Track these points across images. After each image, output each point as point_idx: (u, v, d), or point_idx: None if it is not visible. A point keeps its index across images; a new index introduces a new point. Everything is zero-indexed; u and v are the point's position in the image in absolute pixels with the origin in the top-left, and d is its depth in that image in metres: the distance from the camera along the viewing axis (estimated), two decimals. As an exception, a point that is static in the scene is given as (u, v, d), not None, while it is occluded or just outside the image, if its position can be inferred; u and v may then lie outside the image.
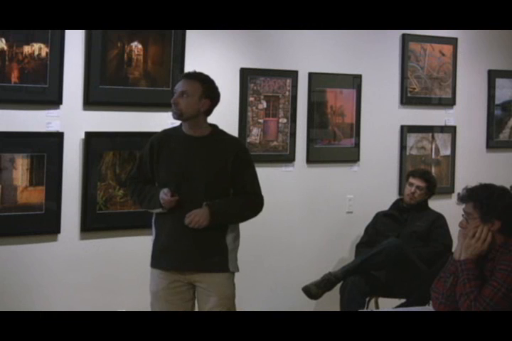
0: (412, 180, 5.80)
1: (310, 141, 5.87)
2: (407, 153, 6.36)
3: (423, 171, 5.99)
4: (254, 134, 5.59)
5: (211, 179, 4.07)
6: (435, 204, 5.95)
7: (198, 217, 4.03)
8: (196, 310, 4.25)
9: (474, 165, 6.71)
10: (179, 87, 4.12)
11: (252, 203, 4.17)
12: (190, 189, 4.08)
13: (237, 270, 4.18)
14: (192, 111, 4.08)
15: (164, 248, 4.15)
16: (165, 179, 4.13)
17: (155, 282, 4.19)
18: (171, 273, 4.14)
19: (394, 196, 6.16)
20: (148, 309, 4.71)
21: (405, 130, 6.33)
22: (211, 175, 4.07)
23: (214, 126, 4.21)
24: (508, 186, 3.78)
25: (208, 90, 4.10)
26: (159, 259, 4.17)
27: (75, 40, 4.88)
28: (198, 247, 4.08)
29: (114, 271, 5.13)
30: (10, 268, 4.79)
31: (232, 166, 4.09)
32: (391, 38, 6.22)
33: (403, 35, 6.24)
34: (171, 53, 5.19)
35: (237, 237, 4.19)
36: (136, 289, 5.16)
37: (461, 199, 3.55)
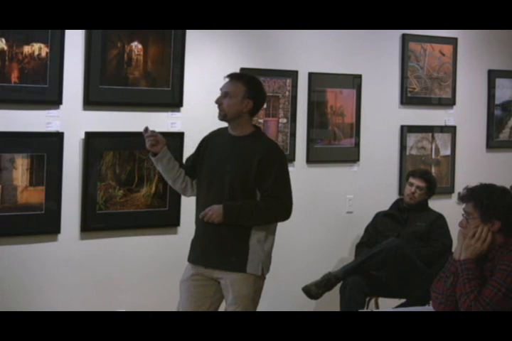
0: (412, 180, 5.80)
1: (310, 141, 5.87)
2: (407, 153, 6.36)
3: (423, 171, 5.99)
4: (254, 134, 5.59)
5: (236, 179, 4.11)
6: (435, 204, 5.95)
7: (211, 211, 4.10)
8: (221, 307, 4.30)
9: (474, 165, 6.71)
10: (223, 87, 4.19)
11: (272, 208, 4.14)
12: (218, 187, 4.15)
13: (259, 273, 4.14)
14: (235, 111, 4.14)
15: (192, 242, 4.30)
16: (202, 175, 4.23)
17: (184, 272, 4.30)
18: (196, 265, 4.23)
19: (394, 196, 6.16)
20: (148, 309, 4.72)
21: (405, 130, 6.33)
22: (237, 175, 4.11)
23: (257, 128, 4.28)
24: (508, 186, 3.78)
25: (250, 91, 4.15)
26: (190, 253, 4.30)
27: (75, 40, 4.88)
28: (217, 245, 4.15)
29: (114, 271, 5.13)
30: (10, 268, 4.78)
31: (257, 169, 4.09)
32: (391, 38, 6.22)
33: (403, 35, 6.24)
34: (171, 53, 5.19)
35: (264, 240, 4.17)
36: (136, 289, 5.17)
37: (462, 198, 3.55)
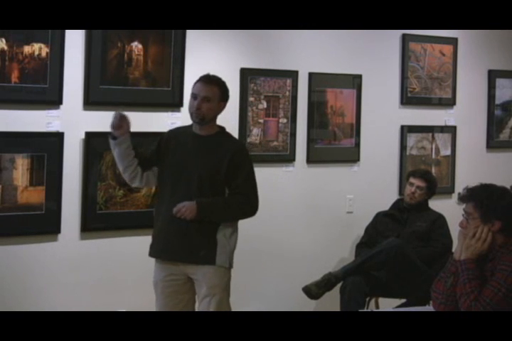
0: (412, 180, 5.80)
1: (310, 141, 5.87)
2: (407, 153, 6.36)
3: (423, 171, 5.99)
4: (255, 134, 5.59)
5: (205, 176, 4.20)
6: (435, 204, 5.95)
7: (185, 208, 4.18)
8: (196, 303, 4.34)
9: (474, 165, 6.71)
10: (200, 91, 4.23)
11: (242, 204, 4.25)
12: (186, 184, 4.22)
13: (227, 265, 4.25)
14: (213, 114, 4.26)
15: (154, 236, 4.35)
16: (167, 172, 4.30)
17: (155, 273, 4.37)
18: (167, 265, 4.29)
19: (394, 196, 6.16)
20: (148, 309, 4.72)
21: (405, 130, 6.33)
22: (205, 172, 4.20)
23: (221, 128, 4.36)
24: (508, 186, 3.78)
25: (223, 94, 4.28)
26: (151, 247, 4.35)
27: (75, 40, 4.88)
28: (184, 239, 4.21)
29: (114, 271, 5.13)
30: (10, 268, 4.79)
31: (227, 167, 4.20)
32: (391, 38, 6.22)
33: (403, 35, 6.24)
34: (171, 53, 5.19)
35: (230, 236, 4.26)
36: (136, 289, 5.17)
37: (462, 199, 3.55)
